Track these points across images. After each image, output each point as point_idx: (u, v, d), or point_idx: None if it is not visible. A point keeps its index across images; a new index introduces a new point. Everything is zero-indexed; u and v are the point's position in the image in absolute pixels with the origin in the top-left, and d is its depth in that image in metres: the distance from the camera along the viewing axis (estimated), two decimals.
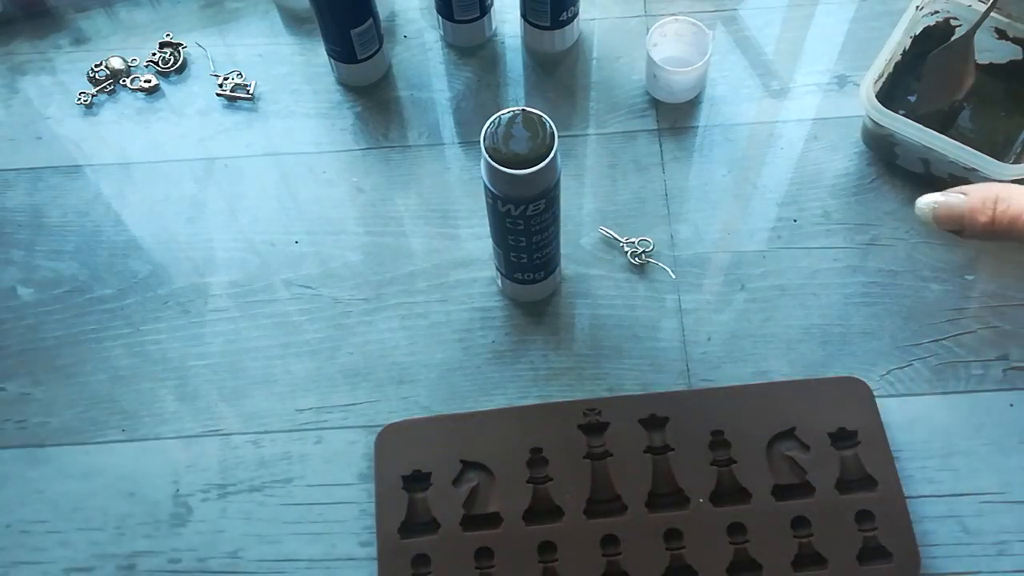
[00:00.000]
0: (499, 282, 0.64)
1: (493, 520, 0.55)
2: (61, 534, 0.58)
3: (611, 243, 0.65)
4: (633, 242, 0.65)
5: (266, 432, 0.60)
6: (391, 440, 0.58)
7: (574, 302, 0.64)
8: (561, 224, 0.58)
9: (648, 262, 0.65)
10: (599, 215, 0.66)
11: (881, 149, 0.66)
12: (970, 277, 0.63)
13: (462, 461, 0.57)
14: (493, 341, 0.63)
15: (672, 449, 0.57)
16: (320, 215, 0.67)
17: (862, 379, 0.58)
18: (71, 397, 0.62)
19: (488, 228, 0.58)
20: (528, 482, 0.56)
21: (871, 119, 0.62)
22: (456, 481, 0.56)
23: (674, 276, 0.64)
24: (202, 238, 0.67)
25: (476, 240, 0.66)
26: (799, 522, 0.54)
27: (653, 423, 0.58)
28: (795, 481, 0.56)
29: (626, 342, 0.62)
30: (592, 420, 0.57)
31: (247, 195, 0.69)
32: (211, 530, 0.58)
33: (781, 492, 0.55)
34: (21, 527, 0.59)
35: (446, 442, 0.57)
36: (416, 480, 0.57)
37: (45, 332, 0.64)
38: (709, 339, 0.62)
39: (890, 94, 0.66)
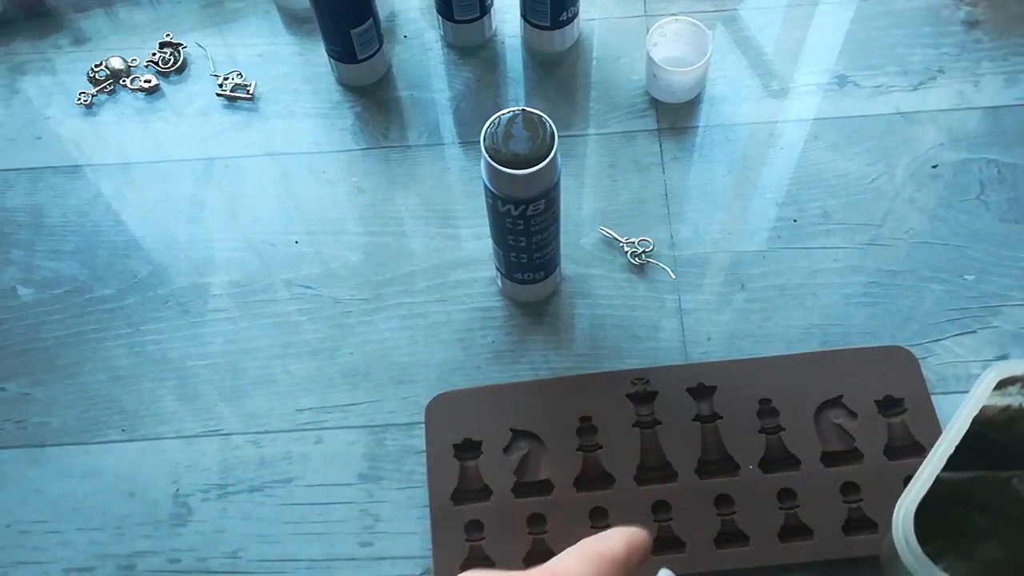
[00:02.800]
0: (499, 282, 0.64)
1: (544, 487, 0.56)
2: (61, 534, 0.58)
3: (611, 243, 0.65)
4: (633, 242, 0.65)
5: (266, 432, 0.60)
6: (441, 409, 0.59)
7: (574, 302, 0.64)
8: (561, 224, 0.58)
9: (648, 262, 0.65)
10: (599, 215, 0.66)
11: None
12: (970, 277, 0.63)
13: (512, 430, 0.58)
14: (493, 341, 0.63)
15: (720, 417, 0.57)
16: (320, 215, 0.67)
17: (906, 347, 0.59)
18: (71, 397, 0.62)
19: (488, 228, 0.58)
20: (578, 450, 0.57)
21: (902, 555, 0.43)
22: (507, 449, 0.57)
23: (674, 276, 0.64)
24: (202, 238, 0.67)
25: (476, 240, 0.66)
26: (849, 488, 0.55)
27: (701, 392, 0.58)
28: (843, 448, 0.57)
29: (626, 342, 0.62)
30: (640, 389, 0.58)
31: (247, 195, 0.69)
32: (211, 530, 0.58)
33: (830, 459, 0.56)
34: (21, 527, 0.59)
35: (495, 411, 0.58)
36: (467, 448, 0.58)
37: (45, 332, 0.64)
38: (709, 339, 0.62)
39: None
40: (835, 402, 0.58)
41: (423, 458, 0.59)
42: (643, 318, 0.63)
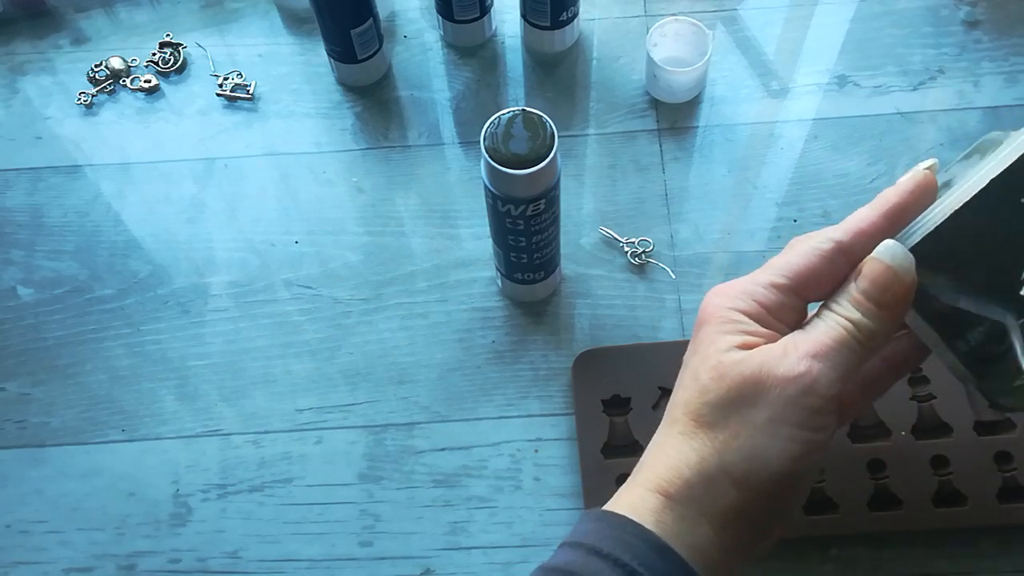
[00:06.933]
0: (499, 282, 0.64)
1: None
2: (61, 534, 0.58)
3: (611, 243, 0.65)
4: (633, 242, 0.65)
5: (266, 432, 0.60)
6: (586, 366, 0.59)
7: (574, 302, 0.64)
8: (561, 224, 0.58)
9: (648, 262, 0.65)
10: (599, 215, 0.66)
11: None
12: None
13: (660, 388, 0.58)
14: (493, 341, 0.63)
15: None
16: (320, 215, 0.67)
17: None
18: (71, 397, 0.62)
19: (488, 228, 0.58)
20: None
21: None
22: (656, 406, 0.58)
23: (674, 276, 0.64)
24: (202, 238, 0.67)
25: (476, 240, 0.66)
26: (1002, 457, 0.55)
27: None
28: (996, 418, 0.57)
29: (626, 342, 0.62)
30: None
31: (247, 195, 0.69)
32: (211, 530, 0.58)
33: (982, 428, 0.56)
34: (21, 527, 0.59)
35: (641, 369, 0.59)
36: (615, 404, 0.59)
37: (45, 332, 0.64)
38: None
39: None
40: None
41: (423, 458, 0.59)
42: (643, 318, 0.63)
